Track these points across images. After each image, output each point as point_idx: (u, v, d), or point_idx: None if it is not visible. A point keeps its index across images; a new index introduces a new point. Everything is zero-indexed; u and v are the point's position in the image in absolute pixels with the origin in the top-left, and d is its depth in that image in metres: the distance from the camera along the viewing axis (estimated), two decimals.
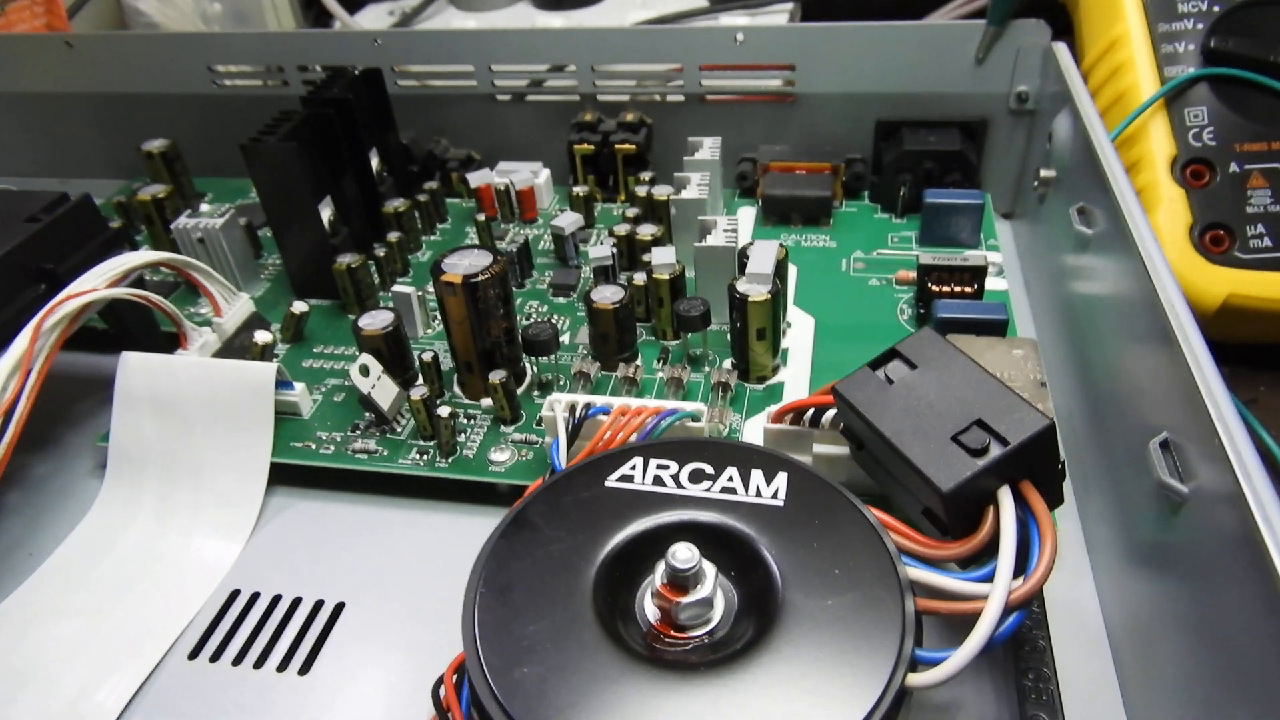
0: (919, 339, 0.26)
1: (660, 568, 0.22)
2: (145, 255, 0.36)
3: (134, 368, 0.35)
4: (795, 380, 0.35)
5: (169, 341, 0.37)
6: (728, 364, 0.36)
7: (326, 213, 0.41)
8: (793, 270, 0.41)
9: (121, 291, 0.34)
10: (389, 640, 0.29)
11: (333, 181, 0.42)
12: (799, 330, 0.38)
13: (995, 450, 0.23)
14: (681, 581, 0.22)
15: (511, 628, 0.21)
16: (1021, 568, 0.22)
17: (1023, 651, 0.24)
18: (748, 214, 0.46)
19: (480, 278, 0.33)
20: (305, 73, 0.49)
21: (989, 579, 0.22)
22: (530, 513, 0.24)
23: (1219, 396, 0.21)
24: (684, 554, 0.21)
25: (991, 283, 0.39)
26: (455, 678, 0.25)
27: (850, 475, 0.29)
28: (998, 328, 0.33)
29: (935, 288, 0.36)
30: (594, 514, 0.24)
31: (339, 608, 0.30)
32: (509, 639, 0.21)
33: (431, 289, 0.42)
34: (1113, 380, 0.29)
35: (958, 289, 0.36)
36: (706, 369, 0.36)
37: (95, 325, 0.36)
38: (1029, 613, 0.25)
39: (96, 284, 0.34)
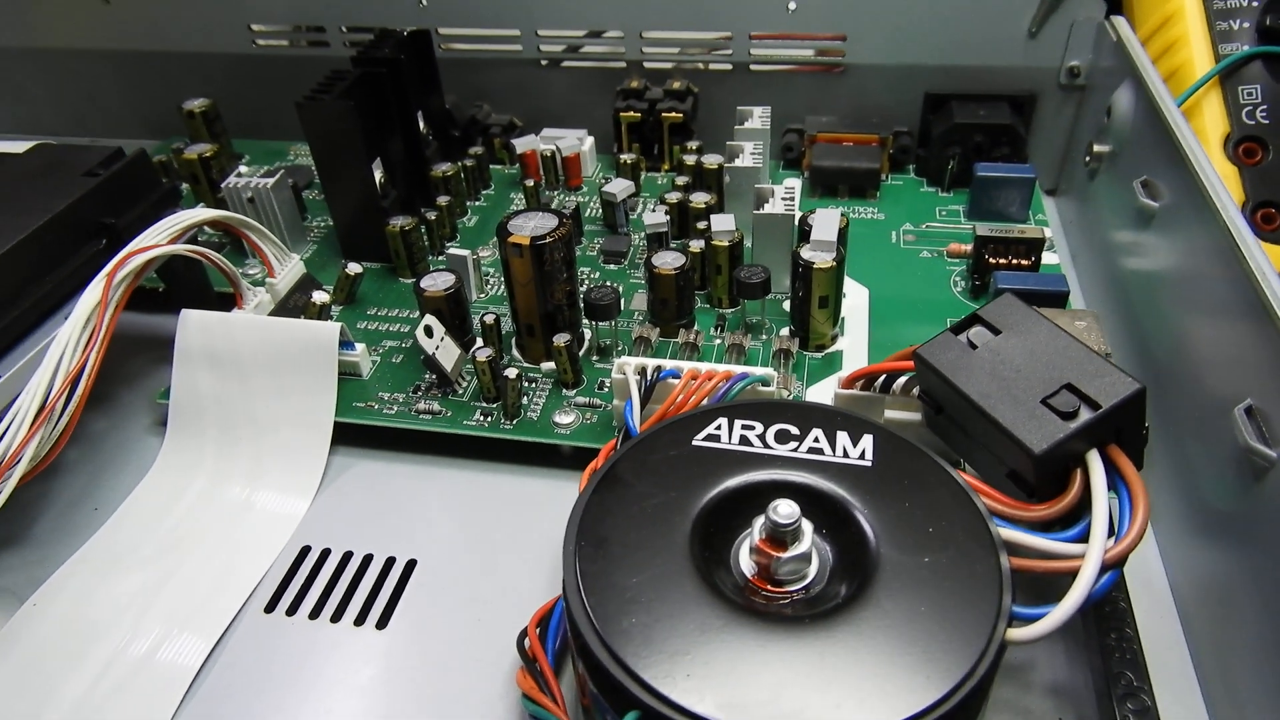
0: (1001, 304, 0.26)
1: (759, 523, 0.22)
2: (205, 212, 0.36)
3: (193, 325, 0.35)
4: (853, 349, 0.36)
5: (221, 302, 0.37)
6: (785, 332, 0.36)
7: (377, 173, 0.41)
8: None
9: (184, 248, 0.34)
10: (462, 596, 0.29)
11: (382, 143, 0.42)
12: (854, 300, 0.38)
13: (1085, 414, 0.23)
14: (781, 536, 0.22)
15: (613, 579, 0.22)
16: (1110, 529, 0.22)
17: (1104, 611, 0.25)
18: (793, 185, 0.46)
19: (547, 240, 0.33)
20: (346, 34, 0.49)
21: (1079, 539, 0.22)
22: (620, 469, 0.25)
23: None
24: (785, 509, 0.22)
25: (1045, 256, 0.39)
26: (539, 629, 0.25)
27: (922, 439, 0.30)
28: (1058, 299, 0.34)
29: (992, 260, 0.37)
30: (685, 471, 0.24)
31: (411, 564, 0.30)
32: (612, 590, 0.22)
33: (483, 252, 0.42)
34: (1179, 352, 0.30)
35: (1014, 261, 0.37)
36: (765, 336, 0.36)
37: (148, 285, 0.36)
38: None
39: (160, 239, 0.33)
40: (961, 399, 0.25)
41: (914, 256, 0.41)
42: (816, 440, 0.25)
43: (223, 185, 0.42)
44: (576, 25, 0.47)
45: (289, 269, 0.39)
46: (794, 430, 0.25)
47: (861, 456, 0.25)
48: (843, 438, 0.25)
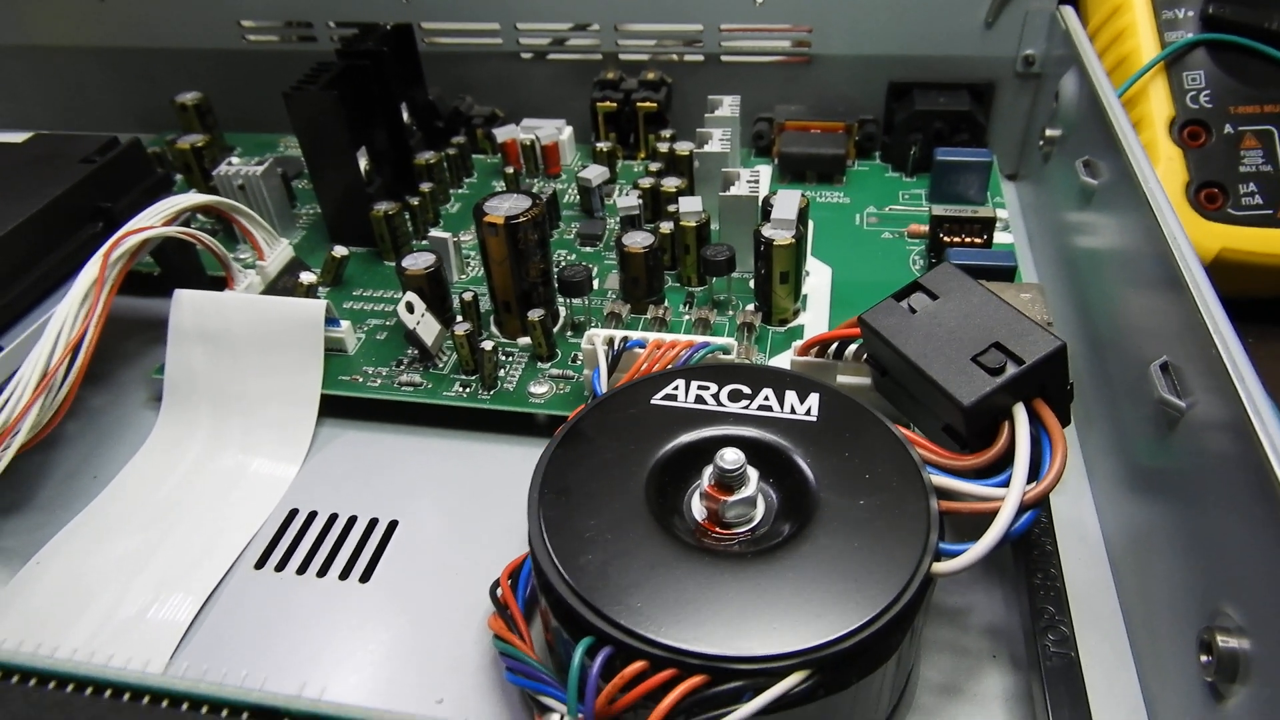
0: (939, 272, 0.28)
1: (708, 471, 0.24)
2: (197, 197, 0.38)
3: (187, 304, 0.37)
4: (814, 323, 0.38)
5: (214, 284, 0.39)
6: (750, 307, 0.38)
7: (364, 161, 0.43)
8: (809, 224, 0.43)
9: (177, 230, 0.36)
10: (442, 552, 0.31)
11: (367, 132, 0.43)
12: (817, 278, 0.40)
13: (1011, 369, 0.25)
14: (728, 482, 0.24)
15: (573, 522, 0.24)
16: (1034, 475, 0.24)
17: (1033, 555, 0.27)
18: (764, 171, 0.48)
19: (521, 219, 0.35)
20: (333, 29, 0.51)
21: (1003, 484, 0.24)
22: (583, 426, 0.27)
23: (1219, 320, 0.23)
24: (731, 456, 0.24)
25: (998, 236, 0.41)
26: (510, 579, 0.27)
27: (872, 404, 0.31)
28: (1006, 273, 0.36)
29: (947, 238, 0.39)
30: (643, 427, 0.26)
31: (393, 525, 0.32)
32: (571, 532, 0.23)
33: (464, 236, 0.44)
34: (1113, 320, 0.31)
35: (968, 239, 0.38)
36: (731, 312, 0.38)
37: (143, 269, 0.38)
38: (1039, 518, 0.28)
39: (154, 221, 0.35)
40: (901, 359, 0.27)
41: (876, 237, 0.42)
42: (767, 399, 0.27)
43: (214, 173, 0.44)
44: (555, 19, 0.49)
45: (278, 252, 0.41)
46: (746, 390, 0.27)
47: (808, 413, 0.27)
48: (791, 396, 0.27)
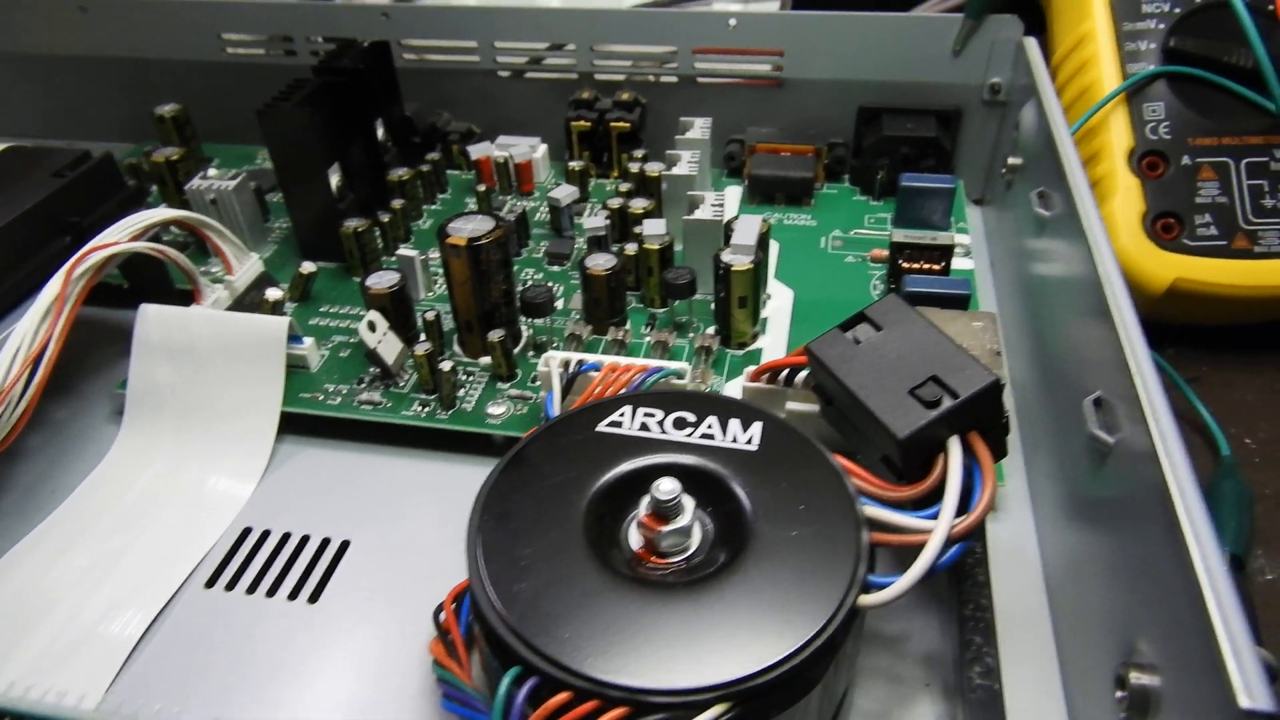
0: (884, 304, 0.29)
1: (645, 500, 0.25)
2: (165, 212, 0.38)
3: (152, 318, 0.37)
4: (773, 347, 0.38)
5: (182, 298, 0.39)
6: (710, 330, 0.38)
7: (334, 178, 0.43)
8: (775, 246, 0.44)
9: (143, 245, 0.36)
10: (391, 574, 0.31)
11: (341, 148, 0.44)
12: (778, 301, 0.40)
13: (947, 403, 0.25)
14: (664, 512, 0.24)
15: (511, 549, 0.24)
16: (965, 508, 0.25)
17: (965, 586, 0.27)
18: (734, 193, 0.49)
19: (483, 241, 0.35)
20: (313, 44, 0.51)
21: (934, 517, 0.24)
22: (529, 452, 0.27)
23: (1142, 360, 0.23)
24: (667, 486, 0.24)
25: (959, 262, 0.42)
26: (454, 604, 0.28)
27: (819, 431, 0.32)
28: (961, 301, 0.36)
29: (905, 264, 0.39)
30: (586, 454, 0.27)
31: (344, 545, 0.32)
32: (508, 559, 0.24)
33: (433, 254, 0.44)
34: (1060, 351, 0.32)
35: (926, 266, 0.39)
36: (691, 335, 0.39)
37: (112, 281, 0.38)
38: (970, 549, 0.28)
39: (120, 237, 0.36)
40: (844, 390, 0.27)
41: (840, 261, 0.43)
42: (710, 427, 0.27)
43: (186, 187, 0.44)
44: (532, 39, 0.49)
45: (247, 267, 0.42)
46: (690, 418, 0.28)
47: (749, 442, 0.27)
48: (735, 425, 0.27)
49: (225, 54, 0.53)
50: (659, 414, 0.28)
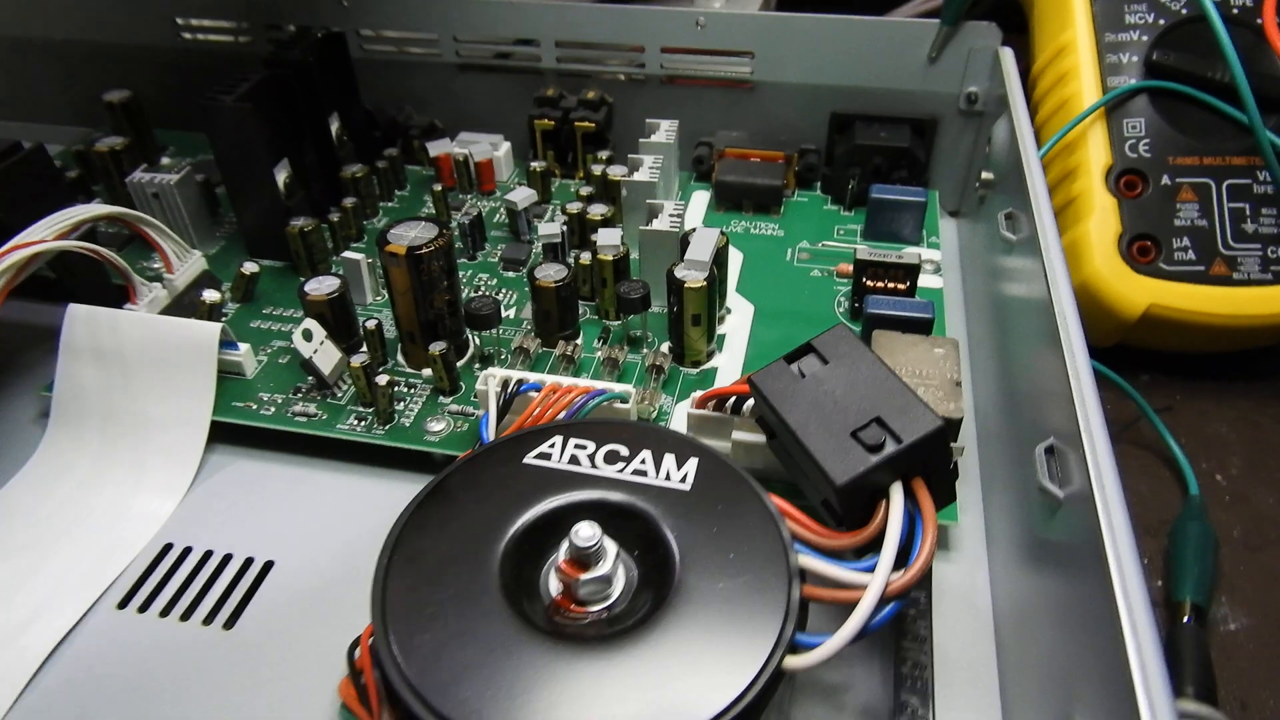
0: (833, 335, 0.27)
1: (565, 544, 0.23)
2: (95, 208, 0.36)
3: (80, 320, 0.35)
4: (728, 366, 0.37)
5: (120, 293, 0.38)
6: (665, 347, 0.37)
7: (283, 175, 0.42)
8: (739, 257, 0.42)
9: (70, 244, 0.35)
10: (313, 600, 0.30)
11: (290, 144, 0.42)
12: (738, 317, 0.39)
13: (890, 447, 0.24)
14: (583, 559, 0.23)
15: (419, 594, 0.23)
16: (905, 560, 0.23)
17: (904, 642, 0.26)
18: (702, 198, 0.47)
19: (425, 250, 0.34)
20: (270, 31, 0.49)
21: (873, 570, 0.23)
22: (449, 484, 0.25)
23: (1092, 414, 0.22)
24: (586, 532, 0.23)
25: (928, 280, 0.40)
26: (371, 640, 0.26)
27: (767, 462, 0.30)
28: (924, 325, 0.35)
29: (870, 283, 0.38)
30: (509, 489, 0.25)
31: (268, 565, 0.31)
32: (415, 605, 0.22)
33: None
34: (1022, 381, 0.30)
35: (891, 285, 0.37)
36: (645, 350, 0.37)
37: (46, 274, 0.37)
38: (911, 603, 0.27)
39: (45, 235, 0.34)
40: (785, 427, 0.26)
41: (805, 275, 0.41)
42: (643, 462, 0.26)
43: (127, 180, 0.42)
44: (495, 32, 0.47)
45: (189, 265, 0.40)
46: (623, 451, 0.26)
47: (683, 480, 0.25)
48: (669, 460, 0.26)
49: (180, 39, 0.51)
50: (590, 446, 0.26)
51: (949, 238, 0.45)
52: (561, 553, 0.23)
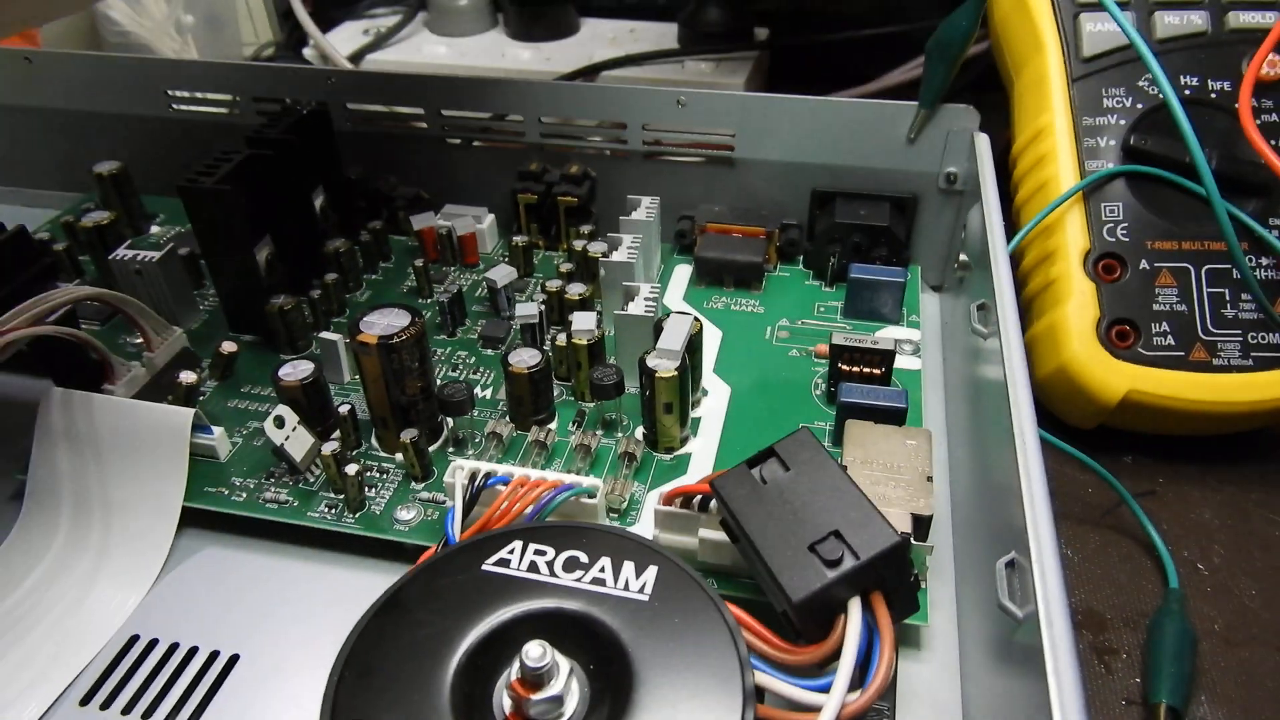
0: (795, 441, 0.27)
1: (517, 662, 0.23)
2: (73, 291, 0.37)
3: (56, 403, 0.36)
4: (703, 451, 0.36)
5: (100, 369, 0.38)
6: (639, 432, 0.37)
7: (265, 252, 0.42)
8: (718, 334, 0.42)
9: (45, 329, 0.35)
10: (277, 696, 0.29)
11: (272, 221, 0.42)
12: (714, 399, 0.39)
13: (848, 562, 0.24)
14: (534, 678, 0.23)
15: (368, 713, 0.22)
16: (864, 679, 0.23)
17: None
18: (684, 272, 0.47)
19: (396, 339, 0.34)
20: (258, 104, 0.50)
21: (828, 689, 0.23)
22: (405, 594, 0.25)
23: (1044, 538, 0.22)
24: (535, 652, 0.22)
25: (906, 361, 0.40)
26: None
27: (734, 560, 0.30)
28: (897, 415, 0.34)
29: (845, 367, 0.37)
30: (466, 599, 0.25)
31: (233, 659, 0.31)
32: None
33: None
34: (994, 475, 0.30)
35: (867, 370, 0.37)
36: (620, 435, 0.37)
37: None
38: (874, 715, 0.26)
39: (19, 322, 0.34)
40: (745, 535, 0.26)
41: (784, 354, 0.41)
42: (602, 570, 0.26)
43: (110, 258, 0.43)
44: (477, 108, 0.48)
45: (169, 342, 0.40)
46: (583, 558, 0.26)
47: (641, 590, 0.25)
48: (628, 568, 0.26)
49: (171, 110, 0.52)
50: (550, 552, 0.26)
51: (931, 313, 0.45)
52: (514, 670, 0.23)
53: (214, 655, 0.31)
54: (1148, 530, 0.36)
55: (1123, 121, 0.41)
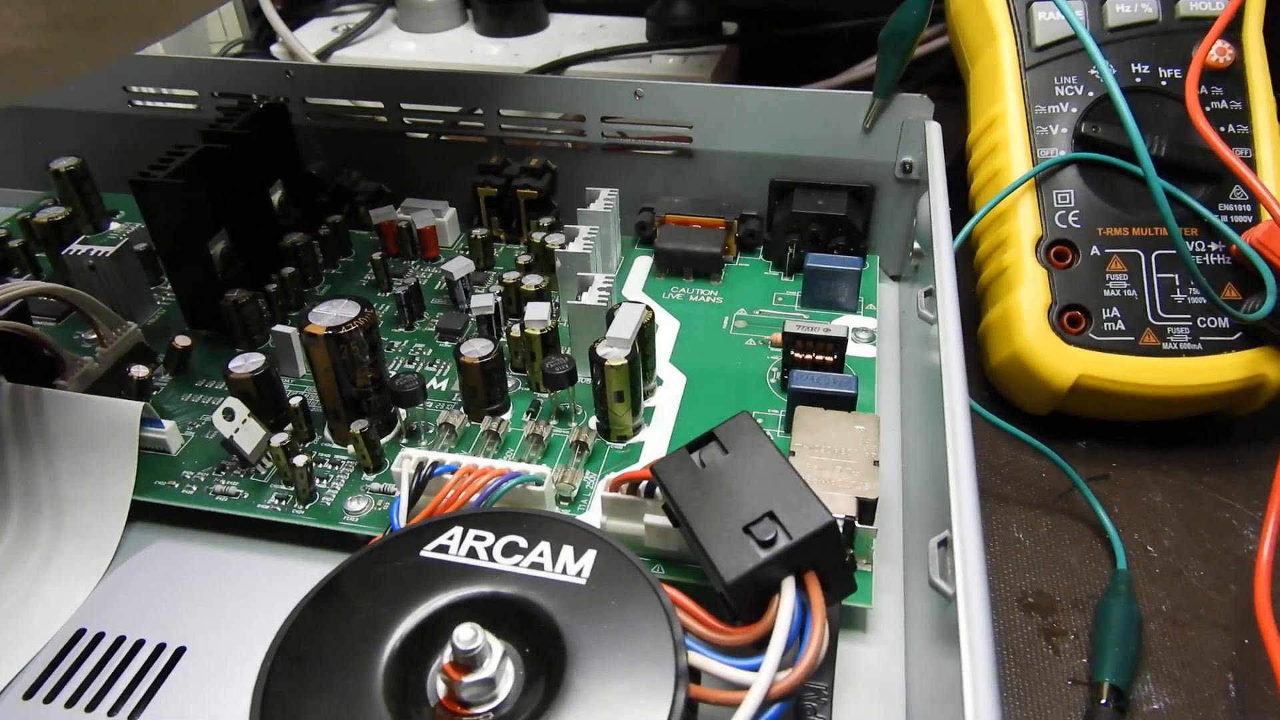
0: (735, 425, 0.27)
1: (449, 646, 0.23)
2: (24, 285, 0.36)
3: (5, 399, 0.35)
4: (656, 440, 0.36)
5: (53, 364, 0.38)
6: (592, 422, 0.37)
7: (219, 247, 0.42)
8: (675, 325, 0.42)
9: None
10: (224, 689, 0.29)
11: (228, 216, 0.42)
12: (670, 388, 0.39)
13: (781, 543, 0.24)
14: (466, 661, 0.23)
15: (300, 700, 0.22)
16: (792, 659, 0.23)
17: None
18: (645, 263, 0.47)
19: (345, 330, 0.34)
20: (217, 99, 0.50)
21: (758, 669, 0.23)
22: (342, 581, 0.25)
23: (967, 516, 0.22)
24: (466, 635, 0.22)
25: (860, 349, 0.40)
26: None
27: (680, 546, 0.30)
28: (847, 401, 0.35)
29: (798, 355, 0.38)
30: (402, 585, 0.25)
31: (179, 652, 0.31)
32: (295, 713, 0.22)
33: None
34: (939, 458, 0.30)
35: (819, 358, 0.37)
36: (573, 424, 0.37)
37: None
38: (811, 695, 0.26)
39: None
40: (682, 517, 0.26)
41: (740, 344, 0.41)
42: (541, 554, 0.26)
43: (63, 253, 0.42)
44: (437, 101, 0.48)
45: (122, 338, 0.40)
46: (522, 543, 0.26)
47: (579, 574, 0.25)
48: (567, 553, 0.26)
49: (131, 106, 0.51)
50: (490, 538, 0.26)
51: (890, 303, 0.46)
52: (446, 654, 0.23)
53: (160, 648, 0.31)
54: (1098, 514, 0.37)
55: (1074, 109, 0.41)
